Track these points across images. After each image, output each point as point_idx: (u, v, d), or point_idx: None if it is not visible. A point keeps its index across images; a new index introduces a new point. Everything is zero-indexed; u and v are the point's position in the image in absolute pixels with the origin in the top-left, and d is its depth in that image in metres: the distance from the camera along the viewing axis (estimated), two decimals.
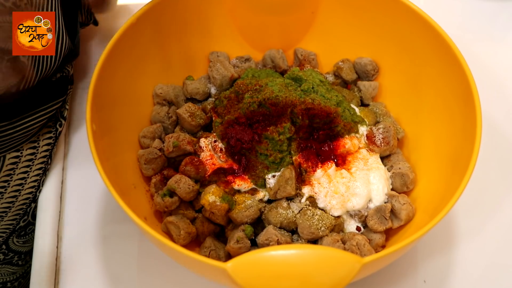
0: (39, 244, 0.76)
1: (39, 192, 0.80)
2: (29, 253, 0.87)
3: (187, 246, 0.70)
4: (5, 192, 0.78)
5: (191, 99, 0.81)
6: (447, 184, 0.68)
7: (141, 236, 0.77)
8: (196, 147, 0.75)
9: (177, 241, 0.69)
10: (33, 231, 0.83)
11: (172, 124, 0.78)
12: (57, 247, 0.77)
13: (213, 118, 0.77)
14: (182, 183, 0.70)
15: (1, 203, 0.78)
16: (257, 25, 0.85)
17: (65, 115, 0.81)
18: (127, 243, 0.77)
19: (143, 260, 0.76)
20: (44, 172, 0.80)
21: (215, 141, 0.74)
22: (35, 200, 0.81)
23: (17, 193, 0.79)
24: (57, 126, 0.80)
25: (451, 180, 0.66)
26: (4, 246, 0.83)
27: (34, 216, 0.83)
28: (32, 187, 0.80)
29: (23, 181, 0.78)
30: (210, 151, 0.74)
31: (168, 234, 0.70)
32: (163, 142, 0.76)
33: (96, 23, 0.91)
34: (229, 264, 0.53)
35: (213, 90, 0.81)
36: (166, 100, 0.79)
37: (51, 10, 0.63)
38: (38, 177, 0.80)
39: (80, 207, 0.80)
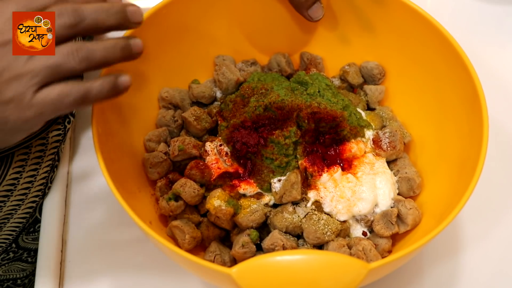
0: (43, 248, 0.76)
1: (48, 189, 0.80)
2: None
3: (192, 250, 0.69)
4: (15, 190, 0.77)
5: (196, 103, 0.81)
6: (454, 188, 0.67)
7: (146, 240, 0.77)
8: (202, 151, 0.74)
9: (182, 246, 0.68)
10: None
11: (177, 127, 0.78)
12: (61, 251, 0.77)
13: (219, 122, 0.77)
14: (187, 187, 0.70)
15: (11, 201, 0.77)
16: (263, 29, 0.84)
17: (73, 112, 0.81)
18: (131, 247, 0.77)
19: (148, 264, 0.76)
20: (52, 168, 0.80)
21: (220, 145, 0.74)
22: (43, 196, 0.80)
23: (27, 191, 0.78)
24: (66, 124, 0.79)
25: (458, 185, 0.66)
26: (14, 245, 0.83)
27: (42, 213, 0.83)
28: (41, 184, 0.79)
29: (32, 178, 0.77)
30: (216, 155, 0.74)
31: (173, 238, 0.70)
32: (169, 146, 0.75)
33: None
34: (234, 270, 0.53)
35: (218, 94, 0.81)
36: (171, 104, 0.79)
37: None
38: (46, 174, 0.79)
39: (85, 211, 0.80)
